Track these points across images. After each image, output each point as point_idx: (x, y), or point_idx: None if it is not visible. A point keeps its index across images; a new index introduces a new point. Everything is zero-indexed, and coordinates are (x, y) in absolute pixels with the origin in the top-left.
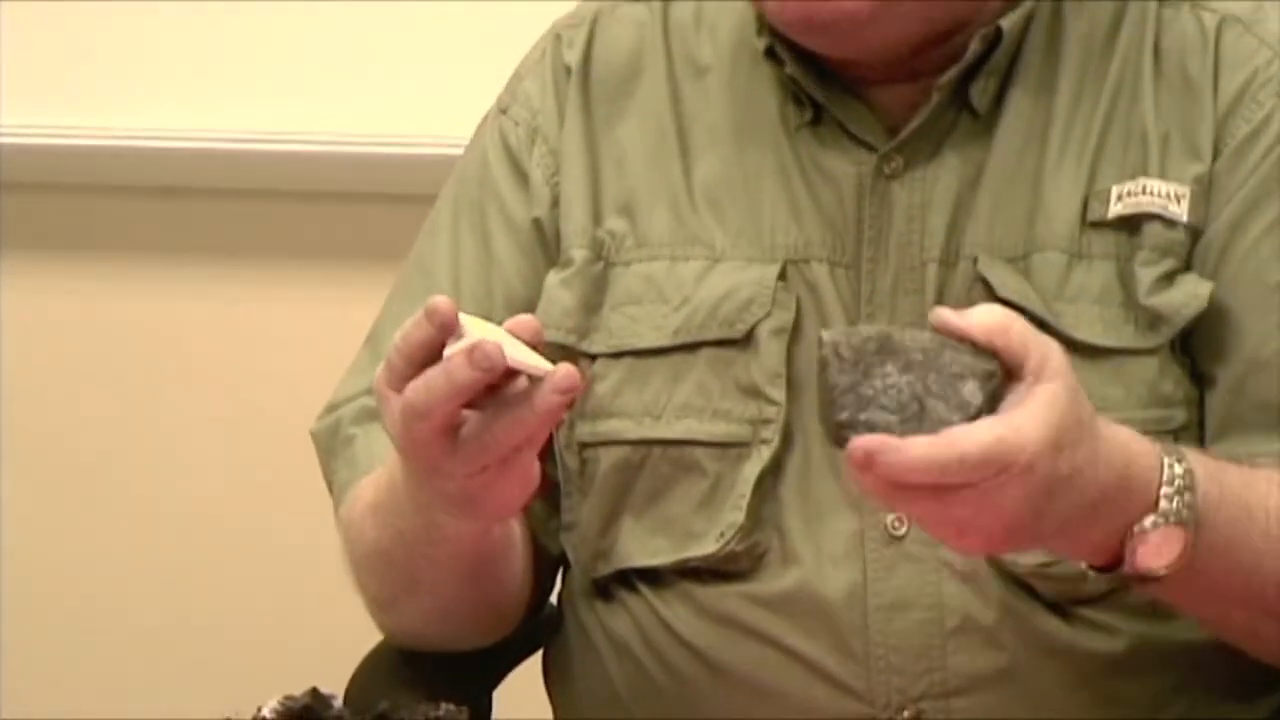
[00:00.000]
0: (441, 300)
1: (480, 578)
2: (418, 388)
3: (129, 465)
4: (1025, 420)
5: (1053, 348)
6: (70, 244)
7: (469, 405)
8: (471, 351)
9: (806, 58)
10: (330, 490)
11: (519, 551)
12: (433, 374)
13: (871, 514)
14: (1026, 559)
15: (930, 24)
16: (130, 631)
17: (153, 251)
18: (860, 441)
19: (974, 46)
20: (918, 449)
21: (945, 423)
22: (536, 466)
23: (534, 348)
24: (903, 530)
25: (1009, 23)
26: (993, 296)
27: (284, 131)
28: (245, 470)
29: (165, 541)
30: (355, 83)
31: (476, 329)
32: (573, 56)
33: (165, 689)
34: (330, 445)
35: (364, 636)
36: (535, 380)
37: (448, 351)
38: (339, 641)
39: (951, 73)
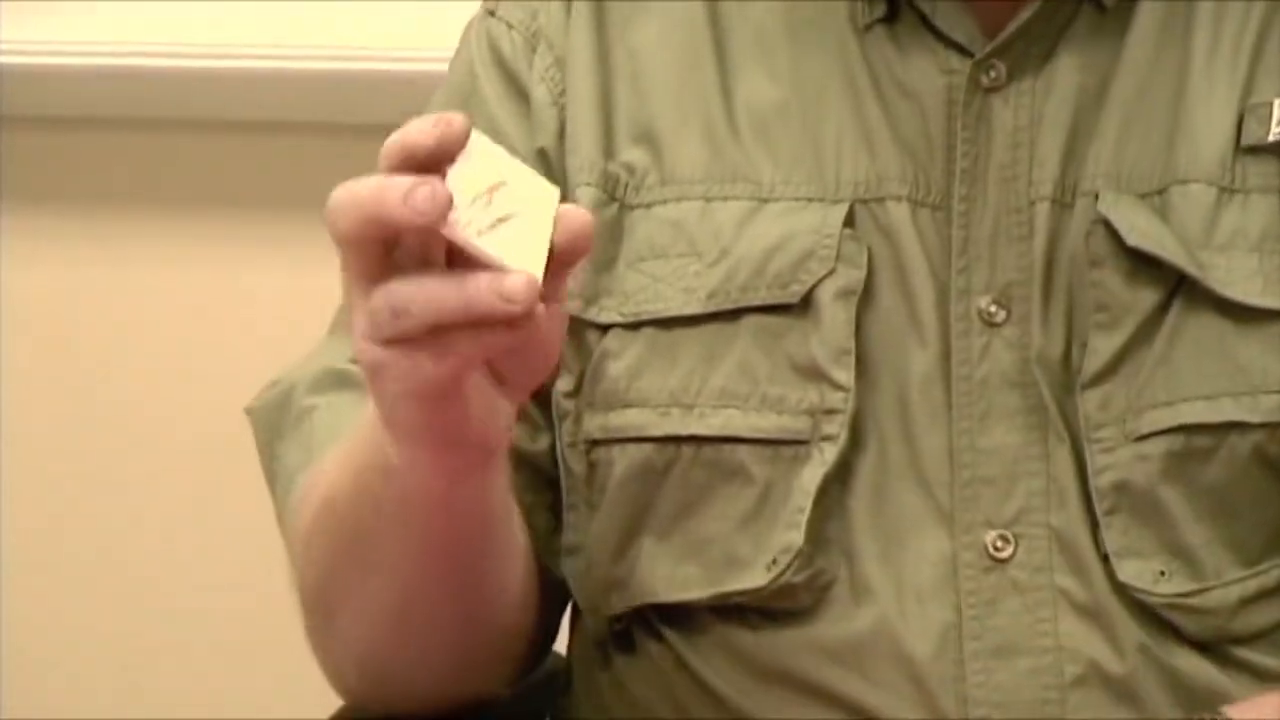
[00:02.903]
0: (458, 116)
1: (456, 563)
2: (366, 183)
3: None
4: None
5: None
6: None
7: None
8: (417, 187)
9: None
10: (270, 480)
11: (516, 554)
12: (380, 179)
13: (968, 530)
14: (1164, 585)
15: None
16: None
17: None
18: None
19: None
20: None
21: None
22: (494, 398)
23: (568, 254)
24: (1007, 551)
25: None
26: (1119, 245)
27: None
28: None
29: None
30: None
31: (485, 169)
32: None
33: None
34: (276, 422)
35: None
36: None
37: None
38: None
39: None
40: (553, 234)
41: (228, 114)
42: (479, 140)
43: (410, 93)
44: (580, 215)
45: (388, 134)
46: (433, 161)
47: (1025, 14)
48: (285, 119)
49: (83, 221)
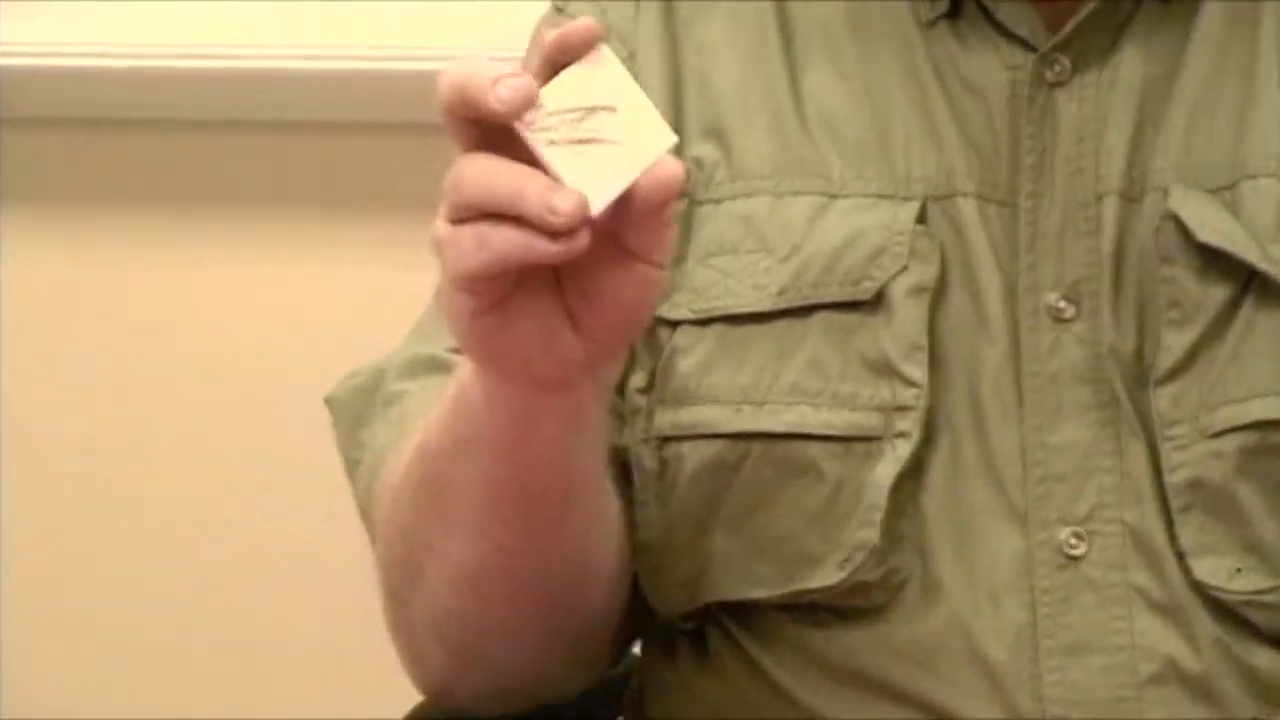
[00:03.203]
0: (593, 23)
1: (535, 522)
2: (478, 62)
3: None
4: None
5: None
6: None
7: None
8: (508, 78)
9: None
10: (351, 466)
11: (602, 525)
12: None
13: (1042, 528)
14: (1239, 582)
15: None
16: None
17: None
18: None
19: None
20: None
21: None
22: (560, 317)
23: (646, 202)
24: (1081, 549)
25: None
26: (1189, 242)
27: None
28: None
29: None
30: None
31: (602, 87)
32: None
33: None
34: (361, 408)
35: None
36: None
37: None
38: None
39: None
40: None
41: (227, 114)
42: (609, 58)
43: (410, 91)
44: (671, 166)
45: (392, 132)
46: (556, 58)
47: (1088, 8)
48: (284, 119)
49: (82, 222)
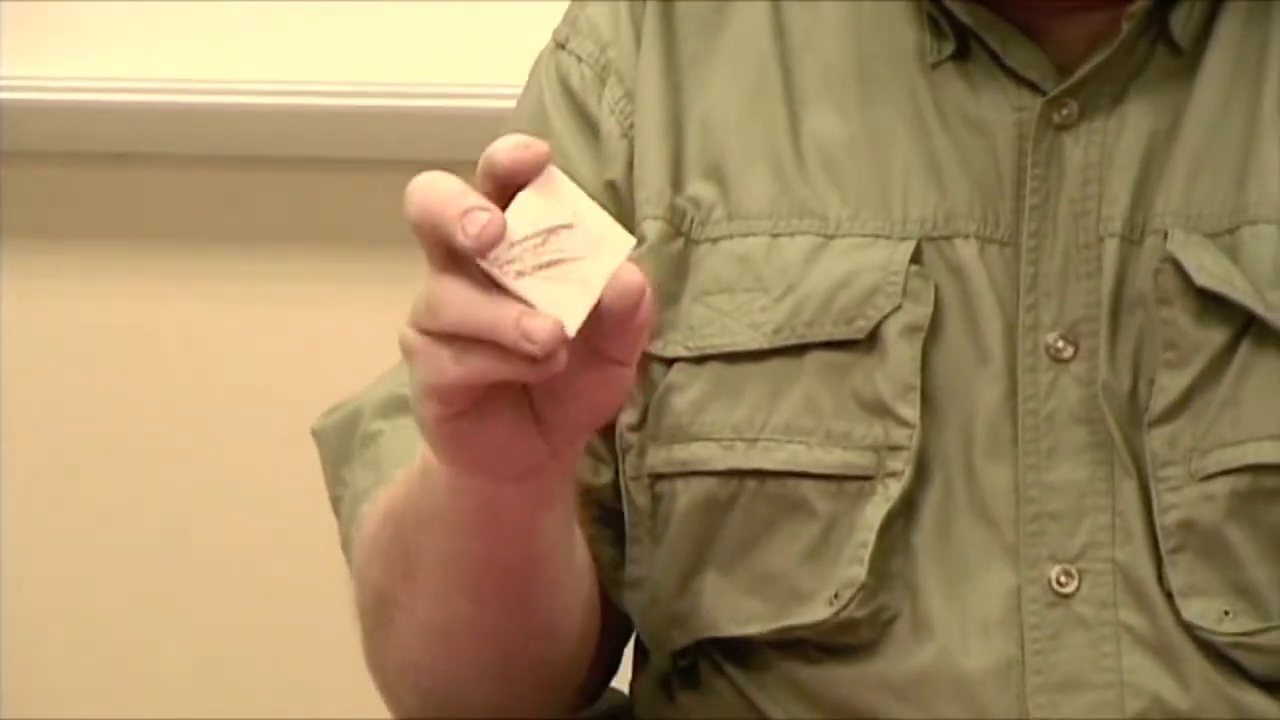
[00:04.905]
0: (538, 143)
1: (501, 592)
2: (443, 185)
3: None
4: None
5: None
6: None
7: None
8: (474, 211)
9: None
10: (335, 503)
11: (571, 591)
12: (457, 187)
13: (1032, 565)
14: (1229, 625)
15: None
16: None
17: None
18: None
19: None
20: None
21: None
22: (530, 428)
23: (615, 314)
24: (1071, 586)
25: None
26: (1187, 284)
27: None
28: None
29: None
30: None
31: (557, 206)
32: None
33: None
34: (342, 446)
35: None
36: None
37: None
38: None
39: None
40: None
41: (227, 149)
42: (559, 177)
43: (413, 128)
44: (631, 275)
45: (391, 169)
46: (507, 181)
47: (1100, 55)
48: (284, 154)
49: (83, 256)
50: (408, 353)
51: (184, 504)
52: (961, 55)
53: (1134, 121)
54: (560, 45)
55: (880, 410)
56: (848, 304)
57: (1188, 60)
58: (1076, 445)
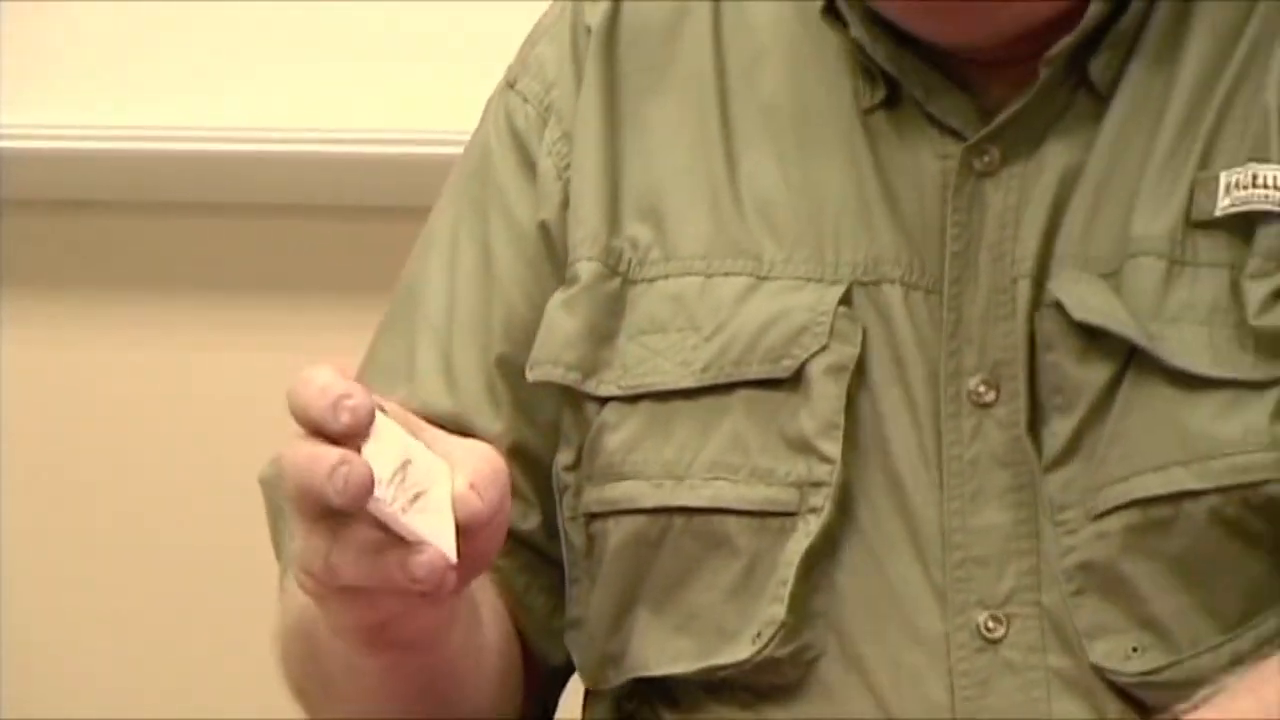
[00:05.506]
0: (358, 399)
1: (406, 697)
2: (298, 454)
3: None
4: None
5: None
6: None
7: None
8: (338, 468)
9: (882, 20)
10: (277, 552)
11: (481, 677)
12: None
13: (959, 611)
14: (1134, 663)
15: None
16: (131, 634)
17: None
18: None
19: (1095, 8)
20: None
21: None
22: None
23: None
24: (999, 632)
25: None
26: (1069, 324)
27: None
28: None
29: (168, 544)
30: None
31: (394, 445)
32: (596, 14)
33: (166, 689)
34: (279, 503)
35: None
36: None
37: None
38: None
39: (1066, 41)
40: (455, 510)
41: (228, 197)
42: (382, 418)
43: (411, 174)
44: (472, 501)
45: (392, 215)
46: (344, 441)
47: (1019, 102)
48: (285, 202)
49: (83, 305)
50: (310, 596)
51: (186, 561)
52: (892, 102)
53: (1050, 164)
54: (510, 85)
55: (804, 447)
56: (775, 343)
57: (1106, 104)
58: (1000, 489)
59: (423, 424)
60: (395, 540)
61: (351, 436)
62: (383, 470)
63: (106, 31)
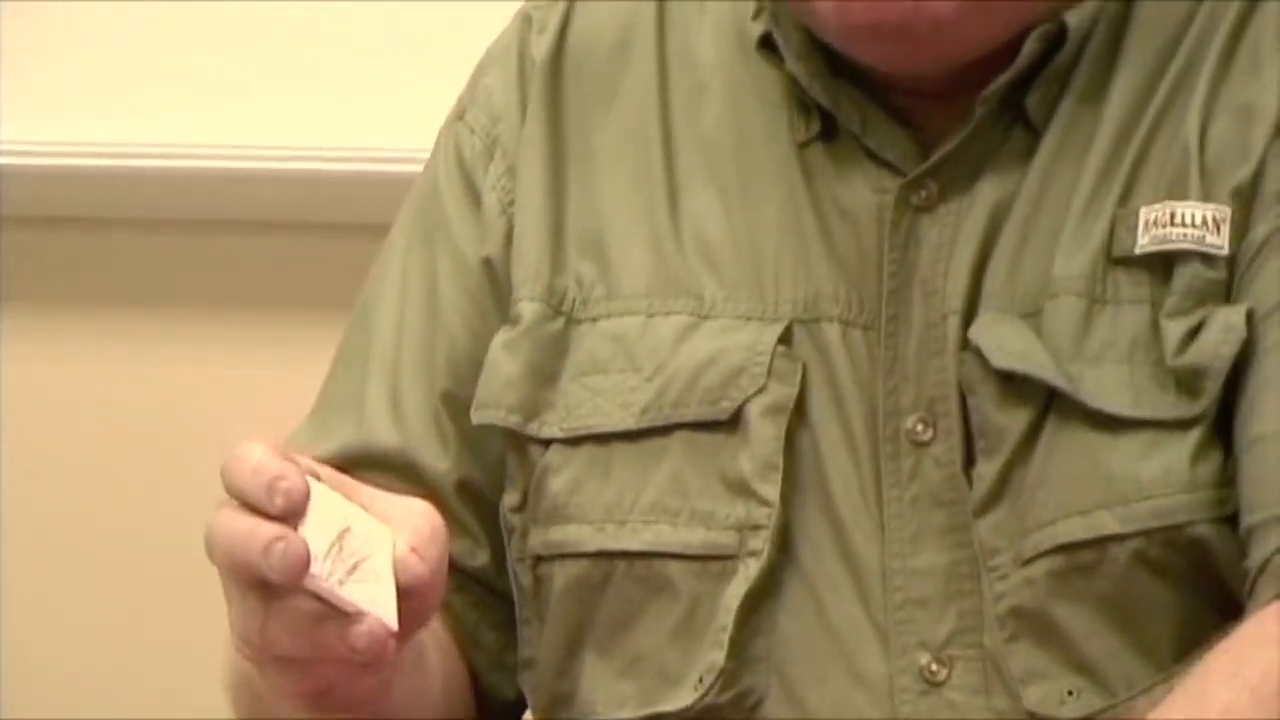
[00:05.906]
0: (291, 480)
1: None
2: (232, 526)
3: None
4: None
5: None
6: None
7: None
8: (274, 544)
9: (819, 52)
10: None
11: (433, 708)
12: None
13: (902, 654)
14: (1070, 708)
15: (1009, 29)
16: (131, 635)
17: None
18: None
19: (1030, 46)
20: None
21: None
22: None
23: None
24: (942, 674)
25: (1076, 18)
26: (988, 369)
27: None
28: None
29: (164, 555)
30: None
31: (331, 515)
32: (542, 44)
33: (166, 689)
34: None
35: None
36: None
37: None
38: None
39: (1002, 79)
40: (396, 573)
41: (227, 214)
42: (318, 488)
43: (406, 192)
44: (413, 563)
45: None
46: (293, 518)
47: (957, 138)
48: (283, 219)
49: (81, 320)
50: (248, 662)
51: (180, 534)
52: (829, 135)
53: (981, 200)
54: (459, 115)
55: (743, 490)
56: (712, 384)
57: (1039, 140)
58: (939, 529)
59: (358, 485)
60: (334, 611)
61: (288, 518)
62: (319, 544)
63: (104, 49)
